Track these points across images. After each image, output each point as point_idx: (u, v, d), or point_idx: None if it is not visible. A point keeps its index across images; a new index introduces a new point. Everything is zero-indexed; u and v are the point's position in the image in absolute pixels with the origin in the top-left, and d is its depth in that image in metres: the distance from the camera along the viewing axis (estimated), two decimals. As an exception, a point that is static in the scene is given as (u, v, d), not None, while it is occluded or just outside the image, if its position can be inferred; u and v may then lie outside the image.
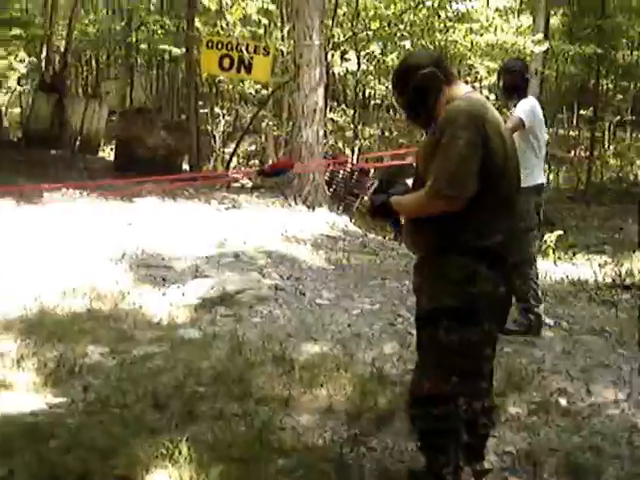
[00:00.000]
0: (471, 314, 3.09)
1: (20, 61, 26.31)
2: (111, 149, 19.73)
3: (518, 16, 17.45)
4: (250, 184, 13.78)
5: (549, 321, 6.45)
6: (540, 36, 16.57)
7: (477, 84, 17.74)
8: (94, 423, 4.03)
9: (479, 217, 3.08)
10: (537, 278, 6.11)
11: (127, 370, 4.83)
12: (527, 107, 5.89)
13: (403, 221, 3.38)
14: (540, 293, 6.12)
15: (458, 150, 2.98)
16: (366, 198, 3.27)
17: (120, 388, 4.50)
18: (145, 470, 3.52)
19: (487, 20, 15.02)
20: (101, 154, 20.26)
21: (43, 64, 22.37)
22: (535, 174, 5.94)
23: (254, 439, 3.86)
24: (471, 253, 3.09)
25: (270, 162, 7.53)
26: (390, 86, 3.60)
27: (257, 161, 21.19)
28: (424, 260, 3.31)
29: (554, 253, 9.92)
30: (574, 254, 10.65)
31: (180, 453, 3.65)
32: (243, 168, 19.34)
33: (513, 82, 6.04)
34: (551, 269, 9.07)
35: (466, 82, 15.03)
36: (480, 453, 3.38)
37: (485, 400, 3.28)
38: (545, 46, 16.65)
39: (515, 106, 6.00)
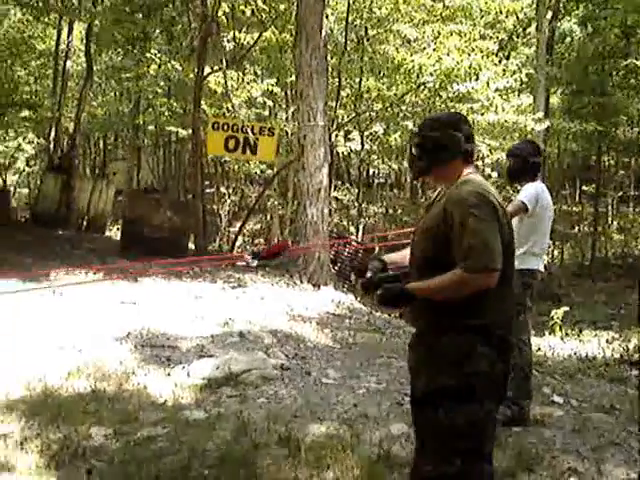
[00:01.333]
0: (470, 393, 3.08)
1: (29, 142, 26.76)
2: (117, 229, 19.89)
3: (518, 95, 17.73)
4: (255, 263, 13.81)
5: (558, 399, 6.39)
6: (540, 114, 16.84)
7: (479, 162, 17.95)
8: (97, 507, 3.97)
9: (484, 296, 3.09)
10: (529, 369, 5.78)
11: (131, 452, 4.76)
12: (532, 192, 5.68)
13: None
14: (530, 387, 5.77)
15: (487, 226, 3.07)
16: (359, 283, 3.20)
17: (124, 471, 4.44)
18: None
19: (488, 100, 15.25)
20: (108, 233, 20.41)
21: (52, 145, 22.77)
22: (527, 259, 5.68)
23: (260, 523, 3.79)
24: (469, 332, 3.11)
25: (265, 247, 7.55)
26: (416, 129, 3.62)
27: (262, 239, 21.31)
28: (420, 339, 3.33)
29: (561, 329, 9.88)
30: (581, 330, 10.60)
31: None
32: (248, 248, 19.41)
33: (517, 166, 5.87)
34: (558, 345, 9.03)
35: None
36: None
37: None
38: (546, 124, 16.90)
39: (519, 189, 5.87)
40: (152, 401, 5.90)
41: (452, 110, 15.26)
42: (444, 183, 3.37)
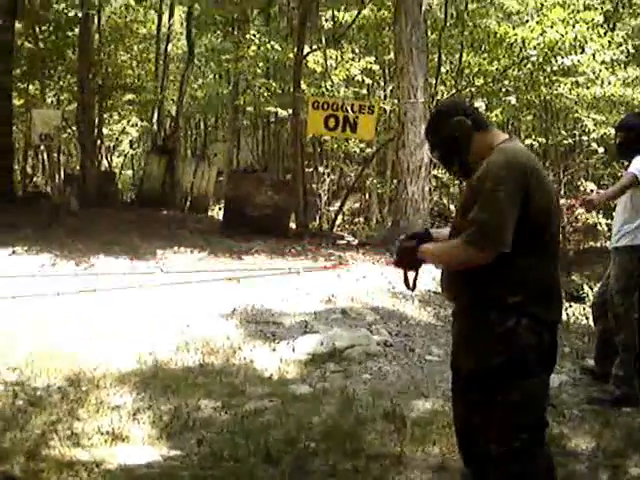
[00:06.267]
0: (523, 367, 3.00)
1: (132, 125, 27.40)
2: (219, 208, 20.20)
3: (625, 68, 17.11)
4: (356, 241, 13.84)
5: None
6: (649, 87, 16.24)
7: (585, 137, 17.44)
8: (208, 476, 4.07)
9: (516, 271, 3.00)
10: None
11: (239, 424, 4.86)
12: None
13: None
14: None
15: (497, 203, 2.91)
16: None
17: (233, 442, 4.54)
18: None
19: (593, 73, 14.81)
20: (210, 213, 20.76)
21: (155, 127, 23.26)
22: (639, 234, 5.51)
23: (367, 496, 3.82)
24: (513, 307, 3.00)
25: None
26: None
27: (362, 219, 21.29)
28: (462, 315, 3.23)
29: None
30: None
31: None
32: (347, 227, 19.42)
33: (629, 141, 5.61)
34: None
35: (572, 135, 14.54)
36: None
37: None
38: (655, 97, 16.28)
39: (630, 162, 5.59)
40: (258, 375, 6.02)
41: (556, 84, 14.89)
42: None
